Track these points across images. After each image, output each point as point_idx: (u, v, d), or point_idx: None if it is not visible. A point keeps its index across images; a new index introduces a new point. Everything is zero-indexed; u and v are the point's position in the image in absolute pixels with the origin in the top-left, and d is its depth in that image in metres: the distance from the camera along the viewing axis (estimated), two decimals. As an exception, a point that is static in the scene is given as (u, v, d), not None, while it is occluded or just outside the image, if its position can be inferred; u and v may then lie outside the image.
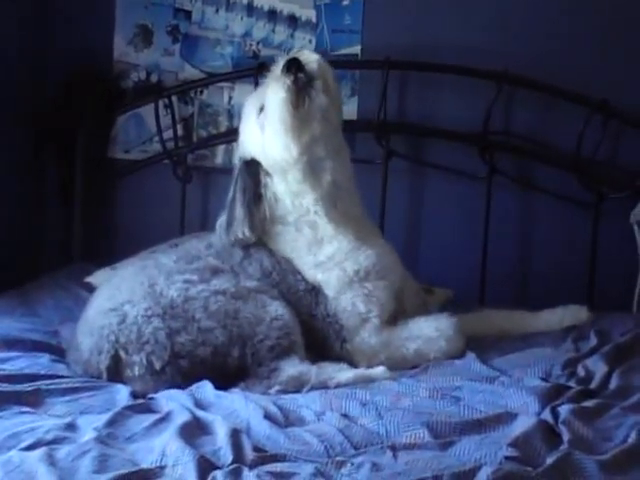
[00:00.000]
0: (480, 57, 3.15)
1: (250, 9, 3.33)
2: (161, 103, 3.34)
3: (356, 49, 3.29)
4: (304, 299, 2.50)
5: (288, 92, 2.42)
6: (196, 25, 3.37)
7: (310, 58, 2.48)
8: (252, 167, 2.54)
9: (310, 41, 3.30)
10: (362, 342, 2.48)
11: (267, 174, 2.54)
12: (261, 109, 2.51)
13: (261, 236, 2.54)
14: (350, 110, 3.26)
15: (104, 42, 3.40)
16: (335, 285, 2.50)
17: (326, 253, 2.52)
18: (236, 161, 2.62)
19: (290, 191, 2.53)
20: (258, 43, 3.34)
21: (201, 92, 3.38)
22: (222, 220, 2.57)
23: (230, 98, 3.36)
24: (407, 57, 3.16)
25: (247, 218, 2.52)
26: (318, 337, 2.48)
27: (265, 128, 2.49)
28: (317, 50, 3.27)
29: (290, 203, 2.54)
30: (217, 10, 3.35)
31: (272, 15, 3.31)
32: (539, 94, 3.16)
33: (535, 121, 3.23)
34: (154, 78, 3.40)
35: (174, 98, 3.35)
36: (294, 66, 2.43)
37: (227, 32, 3.35)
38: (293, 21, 3.31)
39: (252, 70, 3.24)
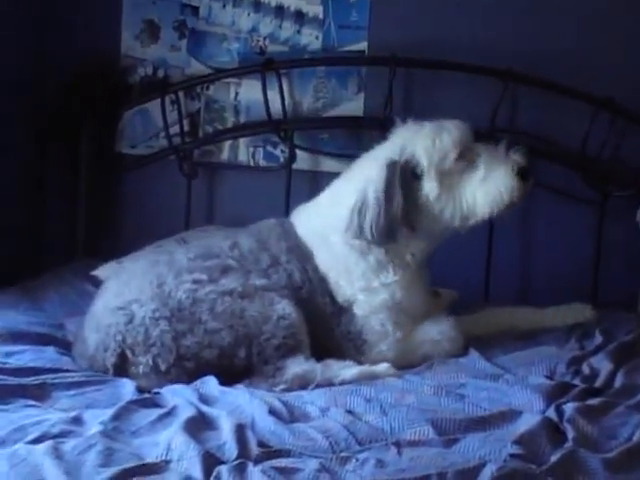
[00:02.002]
0: (486, 54, 3.15)
1: (257, 5, 3.32)
2: (167, 99, 3.33)
3: (363, 45, 3.29)
4: (328, 320, 2.50)
5: (517, 190, 2.51)
6: (203, 20, 3.37)
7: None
8: (406, 171, 2.52)
9: (317, 37, 3.30)
10: (379, 353, 2.49)
11: (409, 185, 2.50)
12: (461, 154, 2.52)
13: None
14: (356, 107, 3.28)
15: (111, 37, 3.39)
16: (374, 305, 2.51)
17: (384, 280, 2.52)
18: (394, 153, 2.53)
19: (419, 220, 2.53)
20: (265, 39, 3.33)
21: (207, 88, 3.38)
22: (372, 215, 2.47)
23: (237, 94, 3.36)
24: (413, 54, 3.16)
25: (404, 220, 2.50)
26: (333, 349, 2.46)
27: (465, 178, 2.51)
28: (324, 46, 3.29)
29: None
30: (224, 6, 3.35)
31: (279, 11, 3.31)
32: (544, 92, 3.16)
33: (540, 119, 3.22)
34: (161, 73, 3.40)
35: (180, 94, 3.35)
36: (527, 175, 2.53)
37: (234, 28, 3.35)
38: (300, 17, 3.31)
39: (259, 66, 3.25)
